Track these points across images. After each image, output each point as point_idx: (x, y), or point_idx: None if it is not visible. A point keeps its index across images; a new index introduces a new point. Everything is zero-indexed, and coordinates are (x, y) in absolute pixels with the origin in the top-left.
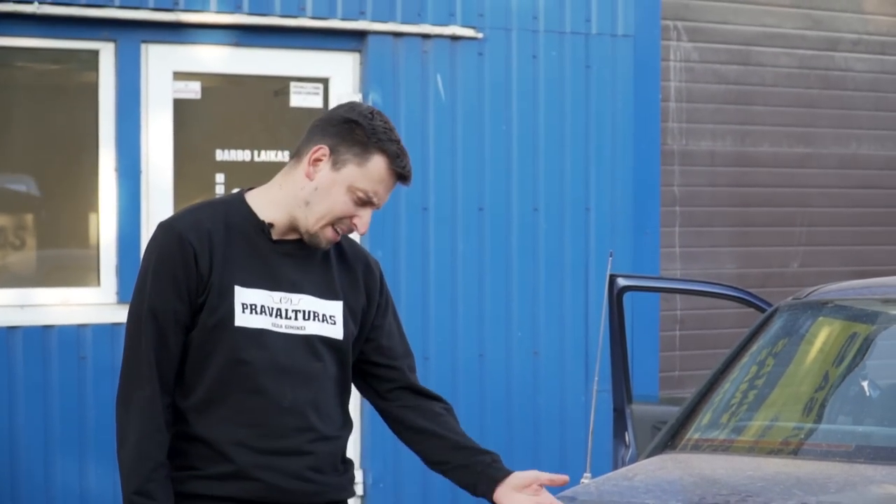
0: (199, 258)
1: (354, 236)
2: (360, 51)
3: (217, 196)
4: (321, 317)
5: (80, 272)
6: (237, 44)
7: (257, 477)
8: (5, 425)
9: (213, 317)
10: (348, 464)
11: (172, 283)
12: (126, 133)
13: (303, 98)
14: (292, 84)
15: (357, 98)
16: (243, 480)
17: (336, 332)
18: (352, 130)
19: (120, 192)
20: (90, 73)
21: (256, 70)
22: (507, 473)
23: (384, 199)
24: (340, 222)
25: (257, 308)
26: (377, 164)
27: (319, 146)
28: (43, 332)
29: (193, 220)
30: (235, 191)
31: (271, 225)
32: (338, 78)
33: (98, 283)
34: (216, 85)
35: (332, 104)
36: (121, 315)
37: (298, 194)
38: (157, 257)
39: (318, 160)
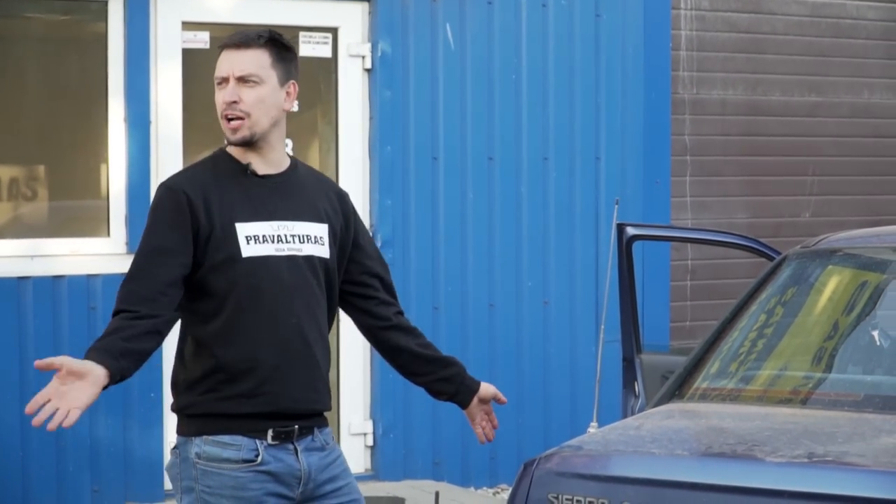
0: (193, 203)
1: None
2: (368, 0)
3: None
4: (313, 238)
5: (90, 222)
6: None
7: (270, 391)
8: (16, 375)
9: (221, 253)
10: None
11: (169, 226)
12: (135, 83)
13: (312, 48)
14: (301, 34)
15: (366, 48)
16: (258, 397)
17: (324, 251)
18: None
19: (129, 142)
20: (99, 24)
21: (265, 20)
22: (478, 384)
23: (234, 67)
24: (225, 112)
25: (259, 238)
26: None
27: None
28: (53, 283)
29: (187, 176)
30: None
31: (249, 164)
32: (347, 27)
33: (108, 234)
34: (225, 35)
35: (342, 54)
36: (129, 264)
37: None
38: (155, 211)
39: None
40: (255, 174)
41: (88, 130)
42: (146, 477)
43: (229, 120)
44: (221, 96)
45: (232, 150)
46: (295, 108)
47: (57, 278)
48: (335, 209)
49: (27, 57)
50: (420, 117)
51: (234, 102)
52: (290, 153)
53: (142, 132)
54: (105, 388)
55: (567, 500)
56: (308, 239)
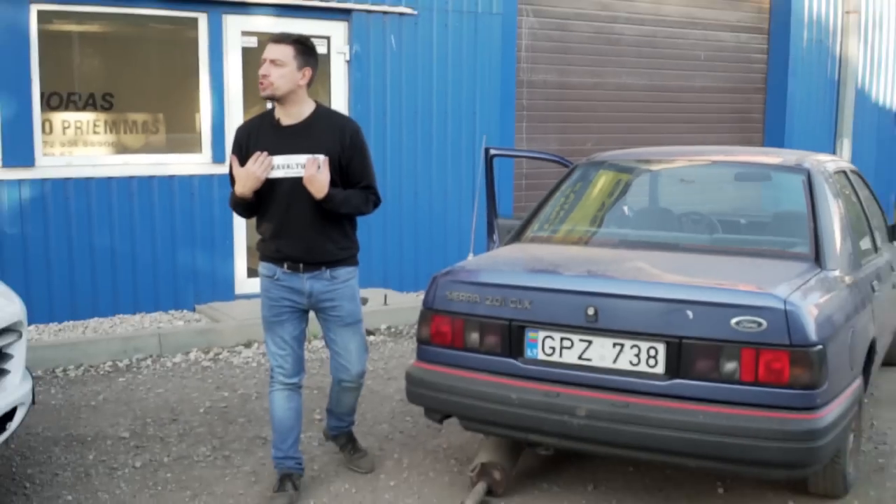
0: (241, 141)
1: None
2: (347, 20)
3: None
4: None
5: (191, 145)
6: (279, 15)
7: (282, 248)
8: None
9: None
10: (337, 241)
11: (232, 161)
12: (215, 67)
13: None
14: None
15: (346, 48)
16: (277, 250)
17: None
18: None
19: (213, 103)
20: (193, 31)
21: (292, 29)
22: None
23: (268, 54)
24: (260, 80)
25: (278, 165)
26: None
27: None
28: (169, 180)
29: (245, 123)
30: None
31: (278, 119)
32: (335, 36)
33: (201, 151)
34: (266, 38)
35: (332, 52)
36: (213, 169)
37: None
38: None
39: None
40: (279, 125)
41: (190, 94)
42: (224, 288)
43: (260, 85)
44: (260, 70)
45: (275, 110)
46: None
47: (171, 177)
48: (335, 142)
49: (149, 51)
50: (376, 90)
51: (265, 76)
52: (316, 104)
53: (219, 97)
54: (242, 196)
55: (456, 295)
56: (303, 166)
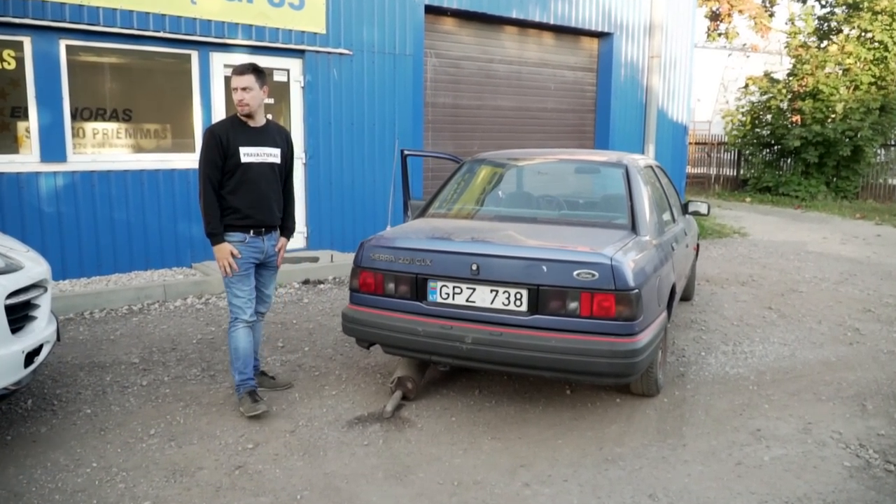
0: (221, 140)
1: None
2: (301, 58)
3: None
4: (273, 154)
5: (187, 147)
6: (251, 53)
7: (253, 216)
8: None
9: (233, 160)
10: (279, 212)
11: (214, 151)
12: (204, 90)
13: (280, 75)
14: (275, 71)
15: (302, 77)
16: (247, 218)
17: (278, 159)
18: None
19: (203, 115)
20: (188, 64)
21: (262, 65)
22: (289, 237)
23: (239, 84)
24: (238, 104)
25: (250, 153)
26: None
27: None
28: (171, 172)
29: (218, 125)
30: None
31: (247, 121)
32: (293, 69)
33: (194, 151)
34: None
35: (291, 80)
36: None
37: None
38: (205, 144)
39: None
40: (247, 126)
41: (185, 109)
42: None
43: (240, 106)
44: (236, 96)
45: (239, 115)
46: (270, 100)
47: (172, 170)
48: (282, 142)
49: (156, 79)
50: (324, 108)
51: (242, 100)
52: (269, 117)
53: (207, 110)
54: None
55: (378, 256)
56: (272, 155)
